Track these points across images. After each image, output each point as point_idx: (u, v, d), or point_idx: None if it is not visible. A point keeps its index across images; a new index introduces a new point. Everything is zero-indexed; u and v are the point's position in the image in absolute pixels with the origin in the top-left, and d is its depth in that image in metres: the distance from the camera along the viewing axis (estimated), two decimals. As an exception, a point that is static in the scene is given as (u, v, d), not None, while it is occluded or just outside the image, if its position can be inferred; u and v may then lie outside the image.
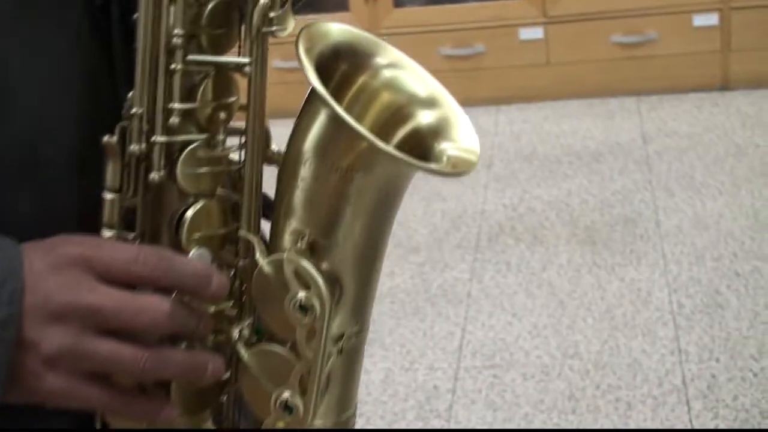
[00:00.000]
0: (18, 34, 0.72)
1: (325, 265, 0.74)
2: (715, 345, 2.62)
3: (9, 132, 0.72)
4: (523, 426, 2.39)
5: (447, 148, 0.75)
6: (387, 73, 0.78)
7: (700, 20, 3.87)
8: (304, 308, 0.73)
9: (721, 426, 2.35)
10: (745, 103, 3.87)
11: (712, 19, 3.87)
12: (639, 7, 3.83)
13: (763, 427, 2.36)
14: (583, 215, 3.22)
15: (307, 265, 0.73)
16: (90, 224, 0.74)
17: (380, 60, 0.78)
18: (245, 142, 0.75)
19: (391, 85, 0.78)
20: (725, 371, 2.53)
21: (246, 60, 0.73)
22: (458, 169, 0.72)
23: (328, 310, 0.72)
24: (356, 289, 0.76)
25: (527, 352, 2.65)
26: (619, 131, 3.68)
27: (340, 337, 0.76)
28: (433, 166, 0.73)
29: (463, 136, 0.76)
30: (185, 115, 0.72)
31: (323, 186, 0.73)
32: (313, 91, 0.72)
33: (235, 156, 0.77)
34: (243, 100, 0.76)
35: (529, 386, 2.52)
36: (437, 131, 0.76)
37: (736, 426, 2.36)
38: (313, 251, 0.74)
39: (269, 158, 0.77)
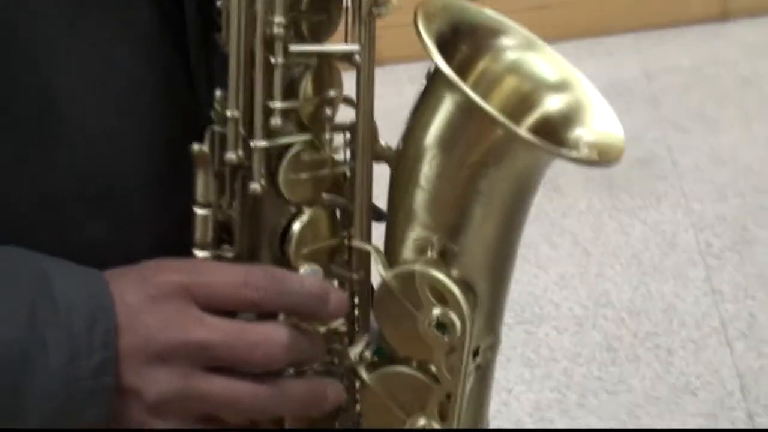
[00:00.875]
0: (73, 43, 0.62)
1: (456, 273, 0.66)
2: (749, 282, 2.55)
3: (75, 162, 0.63)
4: (563, 380, 2.32)
5: (582, 135, 0.67)
6: (511, 55, 0.69)
7: (696, -51, 3.77)
8: (443, 326, 0.64)
9: (767, 366, 2.28)
10: (747, 32, 3.78)
11: (708, -53, 3.77)
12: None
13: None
14: (597, 159, 3.12)
15: (441, 276, 0.65)
16: (173, 247, 0.65)
17: (504, 40, 0.69)
18: (352, 139, 0.66)
19: (517, 69, 0.69)
20: (763, 309, 2.46)
21: (355, 47, 0.64)
22: (604, 158, 0.63)
23: (469, 326, 0.64)
24: (490, 296, 0.68)
25: (557, 305, 2.57)
26: (621, 71, 3.59)
27: (476, 351, 0.67)
28: (575, 154, 0.64)
29: (600, 121, 0.67)
30: (286, 114, 0.63)
31: (451, 185, 0.65)
32: (438, 75, 0.63)
33: (337, 155, 0.67)
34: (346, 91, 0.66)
35: (564, 340, 2.45)
36: (570, 118, 0.68)
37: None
38: (444, 259, 0.65)
39: (378, 155, 0.67)
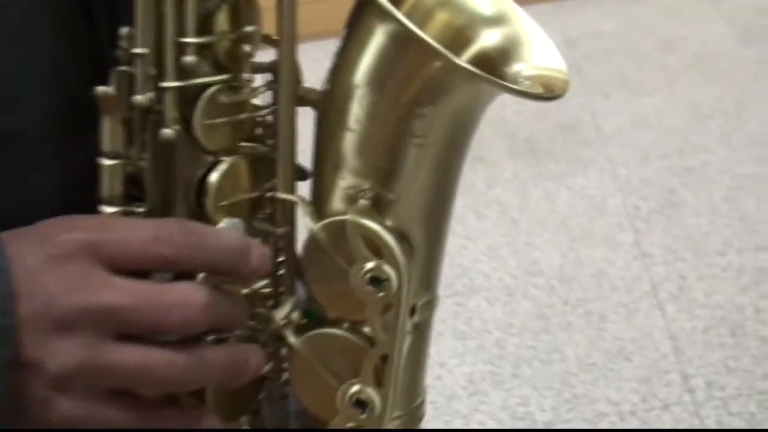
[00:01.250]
0: None
1: (391, 223, 0.60)
2: (678, 245, 2.53)
3: None
4: (496, 352, 2.28)
5: (522, 69, 0.61)
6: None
7: None
8: (377, 281, 0.59)
9: (700, 326, 2.27)
10: (666, -6, 3.78)
11: None
12: None
13: (739, 320, 2.29)
14: (520, 127, 3.10)
15: (375, 226, 0.59)
16: (78, 203, 0.58)
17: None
18: (274, 80, 0.60)
19: (449, 2, 0.63)
20: (693, 270, 2.45)
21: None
22: (550, 91, 0.58)
23: (406, 280, 0.58)
24: (427, 249, 0.62)
25: (487, 275, 2.54)
26: (542, 39, 3.55)
27: (413, 309, 0.62)
28: (521, 88, 0.58)
29: (540, 54, 0.62)
30: (201, 51, 0.57)
31: (383, 126, 0.59)
32: (367, 4, 0.57)
33: (258, 100, 0.61)
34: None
35: (495, 310, 2.42)
36: (508, 53, 0.62)
37: (713, 325, 2.28)
38: (377, 208, 0.59)
39: (302, 98, 0.61)
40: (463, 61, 0.58)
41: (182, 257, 0.55)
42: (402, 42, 0.57)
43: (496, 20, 0.63)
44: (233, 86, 0.60)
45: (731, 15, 3.53)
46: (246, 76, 0.60)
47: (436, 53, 0.55)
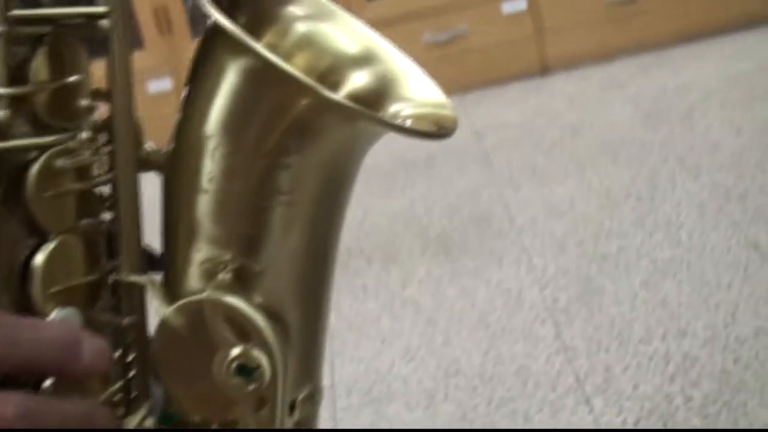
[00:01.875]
0: None
1: (259, 300, 0.50)
2: (601, 334, 2.45)
3: None
4: (418, 460, 2.17)
5: (400, 109, 0.51)
6: (301, 28, 0.54)
7: (509, 7, 3.77)
8: (247, 370, 0.48)
9: (629, 419, 2.17)
10: (567, 84, 3.78)
11: (520, 4, 3.77)
12: (445, 3, 3.69)
13: (669, 410, 2.20)
14: (432, 223, 3.03)
15: (239, 303, 0.48)
16: None
17: (292, 9, 0.54)
18: (109, 141, 0.50)
19: (310, 43, 0.54)
20: (618, 361, 2.36)
21: (101, 8, 0.47)
22: (440, 128, 0.48)
23: (281, 368, 0.48)
24: (305, 329, 0.52)
25: (405, 379, 2.42)
26: (449, 131, 3.50)
27: (292, 406, 0.51)
28: (405, 123, 0.48)
29: (419, 90, 0.52)
30: (16, 106, 0.46)
31: (243, 182, 0.49)
32: (216, 39, 0.47)
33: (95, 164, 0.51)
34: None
35: (416, 415, 2.30)
36: (382, 93, 0.53)
37: (643, 416, 2.19)
38: (241, 283, 0.49)
39: (144, 161, 0.51)
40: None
41: None
42: (259, 77, 0.47)
43: (364, 59, 0.54)
44: (69, 149, 0.49)
45: (635, 99, 3.53)
46: (85, 135, 0.49)
47: (301, 87, 0.45)
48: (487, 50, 3.76)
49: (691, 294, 2.50)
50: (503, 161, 3.29)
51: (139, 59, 3.41)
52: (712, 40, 3.87)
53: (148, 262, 0.53)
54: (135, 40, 3.60)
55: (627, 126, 3.37)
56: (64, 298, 0.49)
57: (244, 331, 0.48)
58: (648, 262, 2.66)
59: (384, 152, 3.49)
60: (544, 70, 3.84)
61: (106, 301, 0.52)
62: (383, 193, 3.26)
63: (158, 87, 3.43)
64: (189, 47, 3.69)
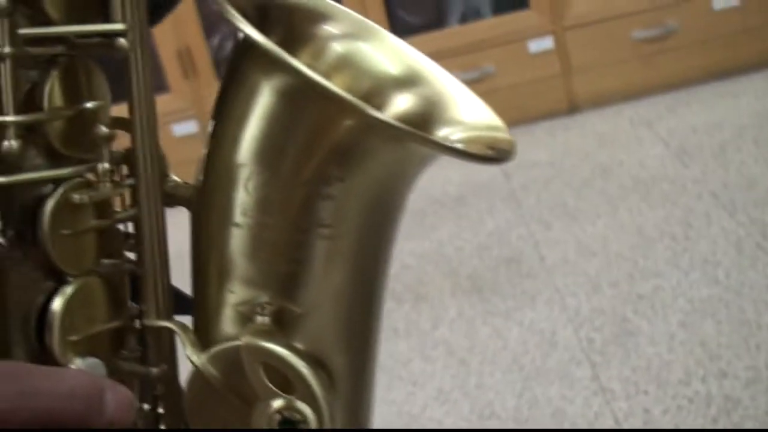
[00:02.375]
0: None
1: (300, 345, 0.45)
2: (639, 376, 2.38)
3: None
4: (453, 508, 2.11)
5: (450, 132, 0.47)
6: (339, 48, 0.50)
7: (535, 46, 3.74)
8: (290, 423, 0.43)
9: (671, 463, 2.11)
10: (596, 122, 3.74)
11: (547, 43, 3.74)
12: (471, 41, 3.66)
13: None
14: (463, 263, 2.98)
15: (280, 350, 0.43)
16: None
17: (329, 28, 0.49)
18: (132, 172, 0.45)
19: (349, 63, 0.49)
20: (657, 403, 2.29)
21: (119, 26, 0.43)
22: (498, 151, 0.44)
23: (328, 420, 0.43)
24: (351, 376, 0.47)
25: (439, 422, 2.37)
26: (478, 171, 3.46)
27: (339, 460, 0.46)
28: (463, 147, 0.44)
29: (470, 113, 0.47)
30: (29, 136, 0.42)
31: (281, 216, 0.44)
32: (250, 56, 0.42)
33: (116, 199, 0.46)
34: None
35: (451, 461, 2.24)
36: (429, 117, 0.48)
37: (684, 461, 2.13)
38: (281, 327, 0.44)
39: (170, 195, 0.46)
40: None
41: (6, 412, 0.39)
42: (296, 97, 0.42)
43: (408, 81, 0.50)
44: (87, 182, 0.45)
45: (666, 136, 3.48)
46: (104, 166, 0.45)
47: (344, 107, 0.41)
48: (515, 89, 3.73)
49: (730, 334, 2.44)
50: (532, 200, 3.24)
51: (164, 102, 3.39)
52: (742, 76, 3.82)
53: (177, 304, 0.49)
54: (159, 83, 3.58)
55: (658, 164, 3.32)
56: (85, 347, 0.45)
57: (285, 380, 0.44)
58: (685, 301, 2.61)
59: (412, 191, 3.43)
60: (572, 108, 3.80)
61: (132, 349, 0.48)
62: (412, 233, 3.21)
63: (183, 130, 3.40)
64: (213, 89, 3.66)
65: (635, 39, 3.77)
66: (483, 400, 2.42)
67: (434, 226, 3.23)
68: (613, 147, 3.51)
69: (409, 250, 3.11)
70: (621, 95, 3.79)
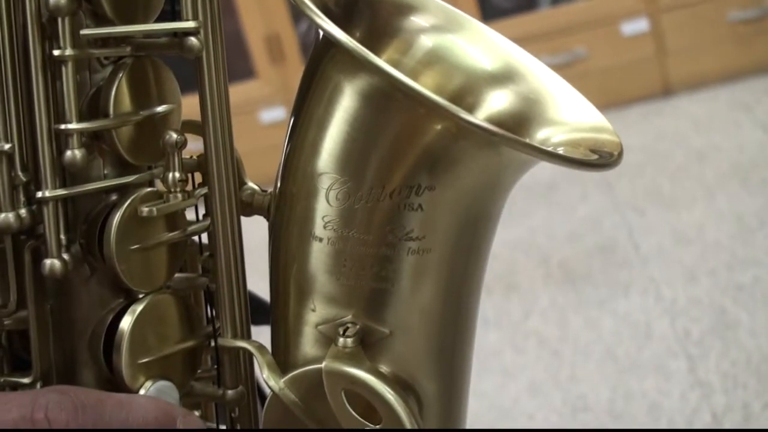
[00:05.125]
0: None
1: (387, 369, 0.41)
2: (738, 369, 2.32)
3: None
4: (547, 503, 2.07)
5: (550, 135, 0.42)
6: (428, 41, 0.46)
7: (629, 28, 3.66)
8: (375, 455, 0.39)
9: (773, 460, 2.05)
10: (691, 106, 3.65)
11: (641, 24, 3.66)
12: (563, 24, 3.60)
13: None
14: (554, 251, 2.92)
15: (364, 375, 0.39)
16: None
17: (417, 20, 0.45)
18: (205, 181, 0.42)
19: (437, 60, 0.45)
20: (757, 397, 2.22)
21: (191, 24, 0.39)
22: (604, 155, 0.39)
23: (417, 450, 0.39)
24: (443, 401, 0.43)
25: (531, 415, 2.32)
26: (569, 157, 3.40)
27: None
28: (565, 151, 0.40)
29: (571, 112, 0.43)
30: (92, 144, 0.39)
31: (366, 228, 0.40)
32: (331, 57, 0.38)
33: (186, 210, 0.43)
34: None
35: (543, 454, 2.20)
36: (526, 117, 0.44)
37: (789, 458, 2.07)
38: (367, 348, 0.40)
39: (246, 204, 0.43)
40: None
41: None
42: (382, 100, 0.38)
43: (504, 77, 0.45)
44: (157, 192, 0.41)
45: (765, 120, 3.38)
46: (174, 175, 0.41)
47: (434, 110, 0.37)
48: (607, 73, 3.66)
49: (835, 325, 2.36)
50: (626, 187, 3.17)
51: (252, 89, 3.38)
52: None
53: (256, 312, 0.45)
54: (246, 70, 3.58)
55: (757, 148, 3.23)
56: (157, 369, 0.41)
57: (371, 407, 0.40)
58: (787, 291, 2.53)
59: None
60: (666, 91, 3.72)
61: (207, 370, 0.44)
62: (502, 221, 3.15)
63: (271, 117, 3.38)
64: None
65: (732, 20, 3.68)
66: (575, 393, 2.37)
67: (525, 214, 3.18)
68: (709, 131, 3.43)
69: (499, 238, 3.05)
70: (717, 78, 3.70)
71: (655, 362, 2.41)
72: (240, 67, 3.52)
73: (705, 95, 3.68)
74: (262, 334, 0.48)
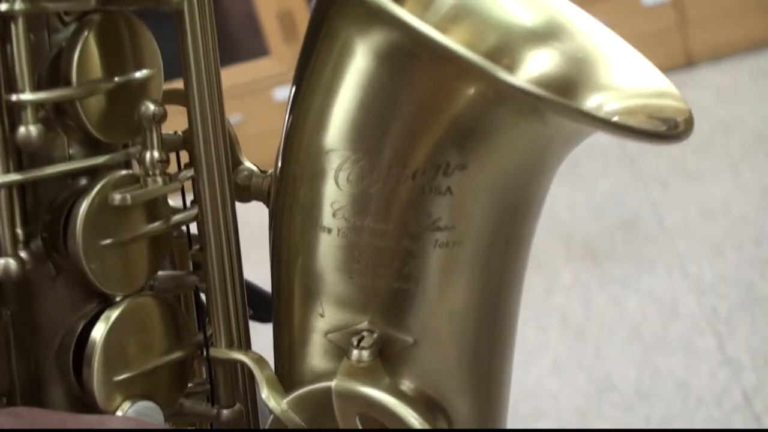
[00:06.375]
0: None
1: (410, 385, 0.34)
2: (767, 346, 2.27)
3: None
4: (574, 486, 2.01)
5: (603, 101, 0.35)
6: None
7: (650, -1, 3.63)
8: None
9: (805, 440, 1.99)
10: (715, 76, 3.58)
11: (662, -6, 3.63)
12: (581, -6, 3.54)
13: None
14: (577, 227, 2.86)
15: (384, 396, 0.33)
16: None
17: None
18: (191, 161, 0.35)
19: (468, 14, 0.38)
20: (790, 374, 2.17)
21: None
22: (670, 128, 0.33)
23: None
24: (475, 420, 0.36)
25: (555, 395, 2.27)
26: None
27: None
28: (628, 121, 0.33)
29: (628, 74, 0.36)
30: (55, 117, 0.32)
31: (383, 216, 0.33)
32: (338, 6, 0.31)
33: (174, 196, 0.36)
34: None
35: (568, 437, 2.15)
36: (574, 80, 0.36)
37: (821, 437, 2.01)
38: (386, 361, 0.33)
39: (242, 189, 0.36)
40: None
41: None
42: (404, 59, 0.31)
43: (547, 34, 0.38)
44: (132, 176, 0.34)
45: (790, 90, 3.32)
46: (153, 155, 0.34)
47: (466, 70, 0.30)
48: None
49: None
50: (648, 160, 3.11)
51: (265, 67, 3.32)
52: None
53: (258, 308, 0.39)
54: (260, 48, 3.51)
55: (784, 119, 3.17)
56: (137, 387, 0.35)
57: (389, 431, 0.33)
58: (817, 265, 2.47)
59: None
60: (688, 62, 3.66)
61: (200, 383, 0.38)
62: (522, 197, 3.11)
63: (285, 95, 3.32)
64: (315, 52, 3.60)
65: (754, -12, 3.64)
66: (601, 372, 2.32)
67: (546, 189, 3.12)
68: (733, 102, 3.36)
69: (520, 215, 3.01)
70: (740, 47, 3.64)
71: (682, 340, 2.36)
72: (253, 45, 3.47)
73: (728, 65, 3.62)
74: (263, 332, 0.41)
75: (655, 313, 2.44)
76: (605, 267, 2.65)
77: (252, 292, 0.39)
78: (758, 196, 2.78)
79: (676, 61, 3.64)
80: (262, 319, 0.41)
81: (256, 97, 3.10)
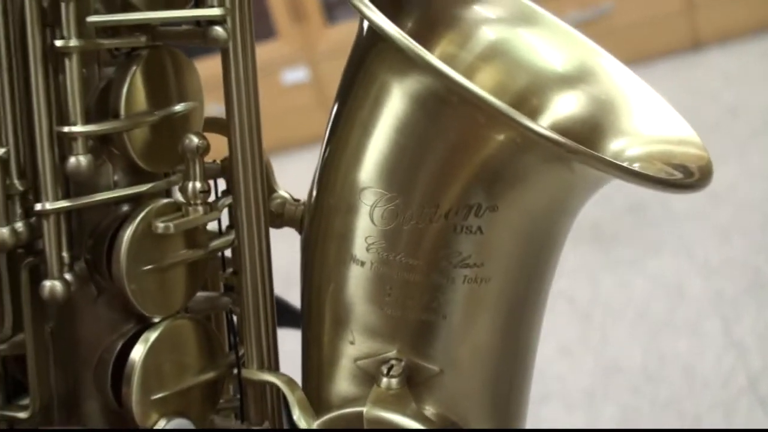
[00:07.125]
0: None
1: (435, 410, 0.36)
2: (773, 331, 2.27)
3: None
4: (577, 469, 2.02)
5: (625, 146, 0.37)
6: (489, 34, 0.40)
7: (657, -22, 3.60)
8: None
9: (810, 424, 2.00)
10: (722, 59, 3.57)
11: (670, -26, 3.59)
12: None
13: None
14: (584, 210, 2.85)
15: (411, 423, 0.34)
16: None
17: (480, 10, 0.40)
18: (229, 189, 0.36)
19: (500, 55, 0.39)
20: (794, 360, 2.18)
21: (216, 11, 0.34)
22: (692, 179, 0.34)
23: None
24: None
25: (562, 377, 2.27)
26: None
27: None
28: (648, 170, 0.34)
29: (650, 121, 0.38)
30: (102, 148, 0.33)
31: (414, 252, 0.35)
32: (372, 47, 0.33)
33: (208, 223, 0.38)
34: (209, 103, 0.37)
35: (575, 417, 2.15)
36: (599, 124, 0.38)
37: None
38: (414, 389, 0.35)
39: (276, 216, 0.38)
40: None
41: None
42: (437, 103, 0.33)
43: (575, 78, 0.40)
44: (174, 204, 0.36)
45: (800, 74, 3.31)
46: (195, 186, 0.36)
47: (496, 117, 0.31)
48: (634, 26, 3.58)
49: None
50: (658, 143, 3.11)
51: (272, 49, 3.31)
52: None
53: (282, 316, 0.40)
54: (267, 29, 3.51)
55: (793, 103, 3.16)
56: (172, 405, 0.36)
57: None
58: (824, 250, 2.47)
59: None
60: (696, 45, 3.64)
61: (229, 400, 0.39)
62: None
63: (293, 78, 3.31)
64: (323, 34, 3.57)
65: (764, -31, 3.61)
66: (608, 355, 2.33)
67: (553, 171, 3.12)
68: (742, 86, 3.35)
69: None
70: (749, 30, 3.63)
71: (688, 323, 2.37)
72: (261, 27, 3.45)
73: (736, 48, 3.60)
74: (288, 338, 0.43)
75: (662, 296, 2.45)
76: (612, 250, 2.66)
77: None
78: (765, 180, 2.78)
79: (683, 43, 3.62)
80: (281, 324, 0.42)
81: (264, 81, 3.09)
